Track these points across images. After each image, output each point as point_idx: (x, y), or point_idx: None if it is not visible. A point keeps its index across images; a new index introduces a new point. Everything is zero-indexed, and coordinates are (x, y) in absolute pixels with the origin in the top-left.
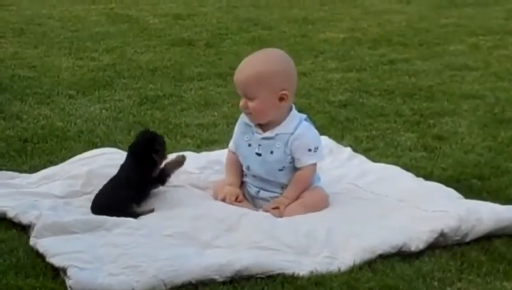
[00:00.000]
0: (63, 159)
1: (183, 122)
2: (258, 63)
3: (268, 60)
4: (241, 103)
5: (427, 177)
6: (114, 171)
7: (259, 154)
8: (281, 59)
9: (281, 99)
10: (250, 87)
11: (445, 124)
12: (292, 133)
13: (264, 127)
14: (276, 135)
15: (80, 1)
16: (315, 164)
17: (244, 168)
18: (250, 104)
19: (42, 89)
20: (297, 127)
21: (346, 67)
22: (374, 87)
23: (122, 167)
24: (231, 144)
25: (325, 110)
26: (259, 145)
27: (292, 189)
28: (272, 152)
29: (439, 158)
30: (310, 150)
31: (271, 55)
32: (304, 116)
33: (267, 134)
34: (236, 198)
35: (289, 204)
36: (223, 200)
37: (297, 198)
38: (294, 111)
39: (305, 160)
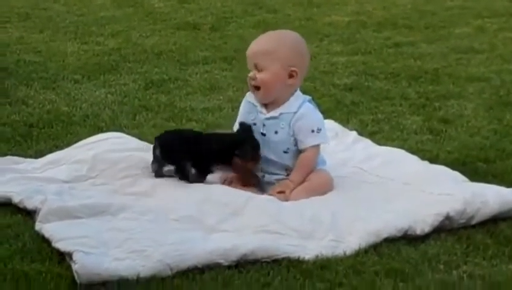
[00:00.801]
0: (69, 144)
1: (188, 106)
2: (273, 38)
3: (283, 37)
4: (250, 74)
5: (433, 160)
6: (119, 155)
7: (263, 134)
8: (296, 39)
9: (290, 76)
10: (262, 56)
11: (451, 107)
12: (295, 112)
13: (268, 107)
14: (280, 114)
15: None
16: (318, 146)
17: None
18: (259, 75)
19: (48, 73)
20: (301, 106)
21: (352, 50)
22: (379, 71)
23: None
24: (236, 125)
25: (330, 94)
26: (264, 125)
27: (297, 172)
28: (276, 132)
29: (444, 141)
30: (312, 131)
31: (286, 34)
32: (308, 97)
33: (271, 113)
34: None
35: (294, 188)
36: (230, 184)
37: (302, 181)
38: (298, 92)
39: (308, 141)
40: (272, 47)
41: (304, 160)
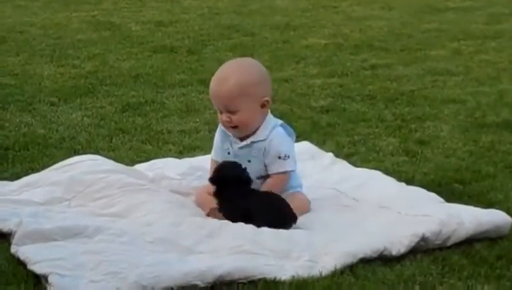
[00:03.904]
0: (45, 167)
1: (165, 129)
2: (235, 75)
3: (245, 69)
4: (223, 118)
5: (409, 181)
6: (95, 177)
7: None
8: (255, 67)
9: (263, 106)
10: (232, 99)
11: (427, 128)
12: (265, 140)
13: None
14: (252, 142)
15: (62, 8)
16: (285, 173)
17: None
18: (235, 117)
19: (24, 96)
20: (271, 132)
21: (328, 72)
22: (355, 93)
23: None
24: (213, 153)
25: (306, 116)
26: (236, 155)
27: None
28: (249, 161)
29: (420, 163)
30: (279, 157)
31: (244, 65)
32: (280, 122)
33: (244, 143)
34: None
35: None
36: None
37: None
38: (269, 117)
39: (273, 167)
40: (240, 85)
41: (268, 186)
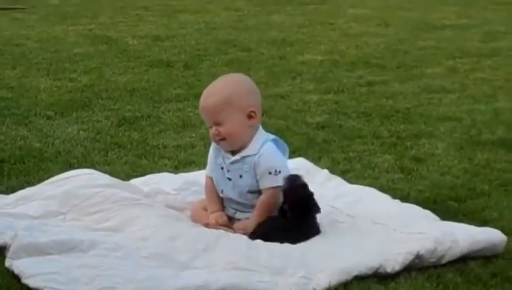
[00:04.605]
0: (40, 180)
1: (160, 144)
2: (220, 88)
3: (230, 83)
4: (212, 131)
5: (404, 199)
6: (91, 191)
7: (229, 179)
8: (242, 79)
9: (250, 117)
10: (218, 111)
11: (422, 146)
12: (255, 154)
13: (233, 150)
14: (242, 157)
15: (59, 22)
16: (276, 188)
17: (218, 192)
18: (222, 129)
19: (20, 110)
20: (262, 147)
21: (324, 89)
22: (351, 109)
23: None
24: (207, 169)
25: (302, 132)
26: (228, 170)
27: (255, 214)
28: (241, 176)
29: (416, 180)
30: (270, 172)
31: (231, 79)
32: (272, 137)
33: (235, 157)
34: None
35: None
36: (207, 225)
37: None
38: (260, 131)
39: (264, 183)
40: (225, 96)
41: (262, 202)
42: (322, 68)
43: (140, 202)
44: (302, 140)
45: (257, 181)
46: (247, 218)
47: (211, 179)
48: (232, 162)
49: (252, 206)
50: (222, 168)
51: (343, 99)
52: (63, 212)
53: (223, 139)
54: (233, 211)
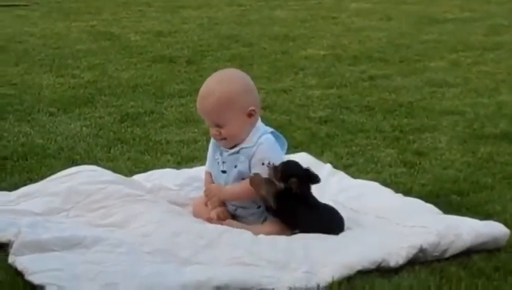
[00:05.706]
0: (43, 177)
1: (163, 139)
2: (219, 88)
3: (227, 82)
4: (213, 131)
5: (407, 193)
6: (94, 187)
7: (224, 172)
8: (237, 77)
9: (250, 115)
10: (219, 114)
11: (425, 140)
12: (253, 146)
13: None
14: (241, 149)
15: (62, 18)
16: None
17: None
18: (223, 130)
19: (23, 106)
20: (259, 138)
21: (327, 83)
22: (354, 104)
23: None
24: (207, 165)
25: (305, 127)
26: (224, 162)
27: (231, 189)
28: (235, 166)
29: (418, 174)
30: (263, 163)
31: (226, 77)
32: (270, 129)
33: (233, 150)
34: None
35: (219, 199)
36: (210, 220)
37: (229, 198)
38: (259, 124)
39: (255, 171)
40: (224, 99)
41: (243, 184)
42: (324, 63)
43: (143, 198)
44: (305, 135)
45: (250, 171)
46: (250, 215)
47: (210, 174)
48: (230, 154)
49: (252, 203)
50: (218, 163)
51: (345, 94)
52: (66, 208)
53: (224, 139)
54: (234, 208)
